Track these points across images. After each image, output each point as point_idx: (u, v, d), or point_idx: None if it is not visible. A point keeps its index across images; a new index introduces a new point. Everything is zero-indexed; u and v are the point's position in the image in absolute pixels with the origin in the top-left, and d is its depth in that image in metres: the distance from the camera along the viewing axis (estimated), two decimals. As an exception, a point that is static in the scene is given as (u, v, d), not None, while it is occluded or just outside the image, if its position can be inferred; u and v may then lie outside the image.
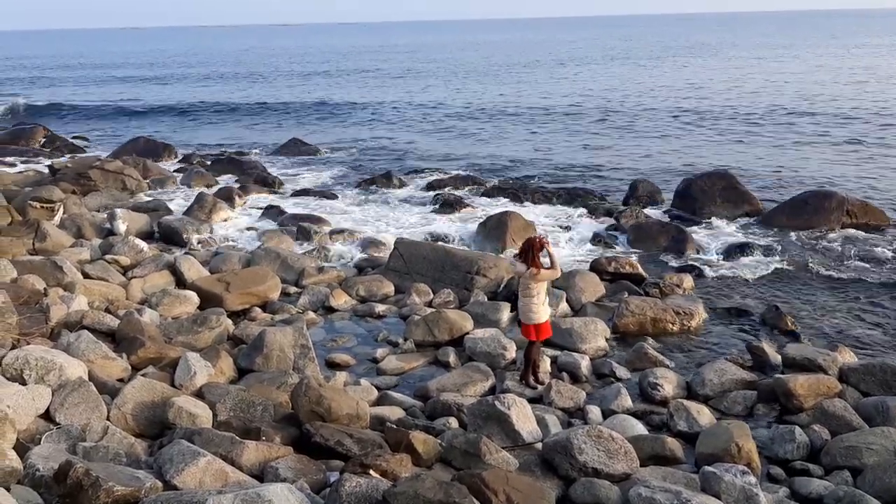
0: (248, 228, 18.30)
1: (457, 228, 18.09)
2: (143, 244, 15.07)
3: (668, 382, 9.60)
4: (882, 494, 6.96)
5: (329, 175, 25.72)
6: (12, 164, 26.82)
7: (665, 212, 18.75)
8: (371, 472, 6.42)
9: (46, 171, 23.30)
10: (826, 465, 7.79)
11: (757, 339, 11.17)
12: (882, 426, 8.09)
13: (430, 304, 12.68)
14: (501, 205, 19.88)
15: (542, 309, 9.49)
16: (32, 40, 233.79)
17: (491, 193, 21.21)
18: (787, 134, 30.34)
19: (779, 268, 14.81)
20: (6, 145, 30.77)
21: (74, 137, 34.10)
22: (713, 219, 18.02)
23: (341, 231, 17.52)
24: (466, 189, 22.11)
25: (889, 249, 15.53)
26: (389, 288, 13.39)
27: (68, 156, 28.96)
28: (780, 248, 15.93)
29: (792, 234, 16.62)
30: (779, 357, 10.29)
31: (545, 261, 9.62)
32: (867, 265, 14.75)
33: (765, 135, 30.34)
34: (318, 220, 18.23)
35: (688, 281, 13.72)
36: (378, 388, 9.68)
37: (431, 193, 21.58)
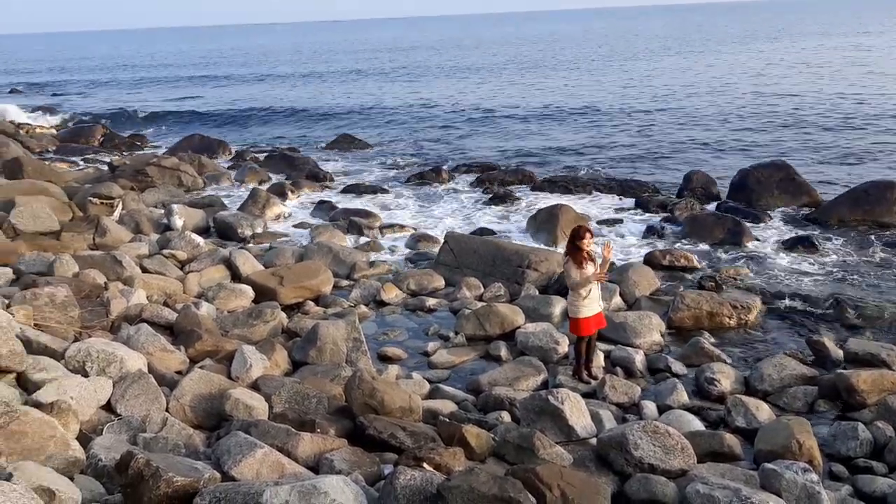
0: (301, 223, 18.49)
1: (507, 222, 18.04)
2: (199, 239, 15.33)
3: (725, 378, 9.41)
4: (951, 494, 6.73)
5: (379, 170, 25.87)
6: (74, 164, 27.54)
7: (720, 204, 18.37)
8: (424, 465, 6.41)
9: (106, 168, 23.86)
10: (890, 462, 7.56)
11: (817, 333, 10.89)
12: (951, 424, 7.83)
13: (480, 298, 12.66)
14: (552, 198, 19.72)
15: (580, 303, 9.29)
16: (86, 40, 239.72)
17: (541, 187, 21.06)
18: (847, 123, 29.49)
19: (839, 260, 14.43)
20: (67, 143, 31.62)
21: (132, 136, 34.85)
22: (770, 210, 17.61)
23: (392, 225, 17.61)
24: (516, 183, 22.00)
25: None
26: (440, 282, 13.40)
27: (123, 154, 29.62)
28: (840, 239, 15.54)
29: (852, 225, 16.16)
30: (840, 352, 10.03)
31: (597, 252, 9.46)
32: (933, 257, 14.27)
33: (823, 124, 29.55)
34: (369, 215, 18.33)
35: (745, 273, 13.44)
36: (429, 382, 9.69)
37: (481, 187, 21.54)
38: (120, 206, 17.99)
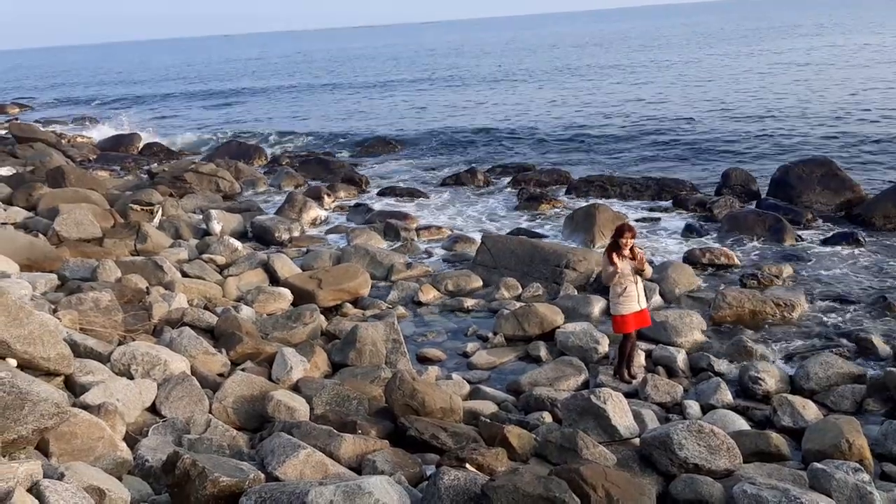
0: (337, 227, 18.59)
1: (543, 222, 17.96)
2: (237, 243, 15.48)
3: (769, 376, 9.25)
4: None
5: (414, 172, 25.94)
6: (114, 172, 27.99)
7: (760, 201, 18.08)
8: (467, 465, 6.39)
9: (145, 175, 24.23)
10: (945, 462, 7.36)
11: (864, 330, 10.66)
12: None
13: (518, 299, 12.61)
14: (588, 197, 19.61)
15: (620, 300, 9.24)
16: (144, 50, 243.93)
17: (577, 186, 20.92)
18: (890, 117, 28.88)
19: (884, 257, 14.12)
20: (107, 152, 32.16)
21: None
22: (812, 207, 17.29)
23: (428, 227, 17.63)
24: (552, 183, 21.90)
25: None
26: (477, 282, 13.38)
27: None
28: (885, 235, 15.21)
29: (898, 221, 15.80)
30: (889, 349, 9.81)
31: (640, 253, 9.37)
32: (983, 252, 13.91)
33: (866, 118, 28.97)
34: (406, 217, 18.37)
35: (787, 271, 13.22)
36: (469, 383, 9.67)
37: (516, 188, 21.46)
38: (160, 212, 18.24)
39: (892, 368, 8.85)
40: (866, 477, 6.57)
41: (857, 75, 41.66)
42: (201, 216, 18.27)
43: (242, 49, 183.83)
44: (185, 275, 13.35)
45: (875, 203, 16.65)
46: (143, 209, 18.01)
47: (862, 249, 14.56)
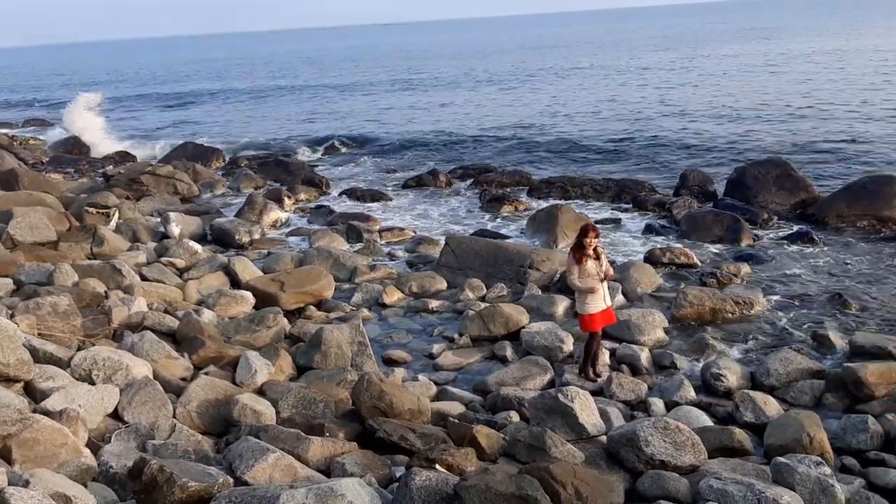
0: (298, 229, 18.45)
1: (506, 223, 18.04)
2: (197, 246, 15.28)
3: (731, 373, 9.40)
4: (965, 484, 6.72)
5: (376, 174, 25.88)
6: (68, 175, 27.40)
7: (718, 201, 18.37)
8: (437, 466, 6.38)
9: (101, 178, 23.79)
10: (902, 454, 7.54)
11: (821, 327, 10.90)
12: (960, 414, 7.83)
13: (483, 299, 12.64)
14: (549, 198, 19.75)
15: (587, 299, 9.32)
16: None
17: (539, 188, 21.06)
18: (843, 118, 29.59)
19: (838, 255, 14.46)
20: (60, 154, 31.49)
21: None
22: (768, 207, 17.63)
23: (391, 229, 17.59)
24: (513, 185, 22.01)
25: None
26: (442, 284, 13.38)
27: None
28: (839, 234, 15.59)
29: (851, 220, 16.16)
30: (845, 345, 10.04)
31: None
32: (932, 250, 14.32)
33: (818, 120, 29.63)
34: (368, 219, 18.31)
35: (745, 270, 13.46)
36: (436, 384, 9.66)
37: (478, 190, 21.53)
38: (116, 215, 17.91)
39: (849, 364, 9.05)
40: (828, 470, 6.72)
41: (814, 78, 42.60)
42: (159, 219, 17.98)
43: (201, 51, 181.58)
44: (144, 278, 13.13)
45: (828, 203, 17.04)
46: (98, 212, 17.67)
47: (817, 248, 14.88)
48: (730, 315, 11.58)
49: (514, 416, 8.46)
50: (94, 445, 6.45)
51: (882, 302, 12.01)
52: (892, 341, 9.53)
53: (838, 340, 10.21)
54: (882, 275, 13.28)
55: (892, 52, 52.95)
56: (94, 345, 8.72)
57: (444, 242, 14.79)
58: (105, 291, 11.61)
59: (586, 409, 7.80)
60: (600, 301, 9.37)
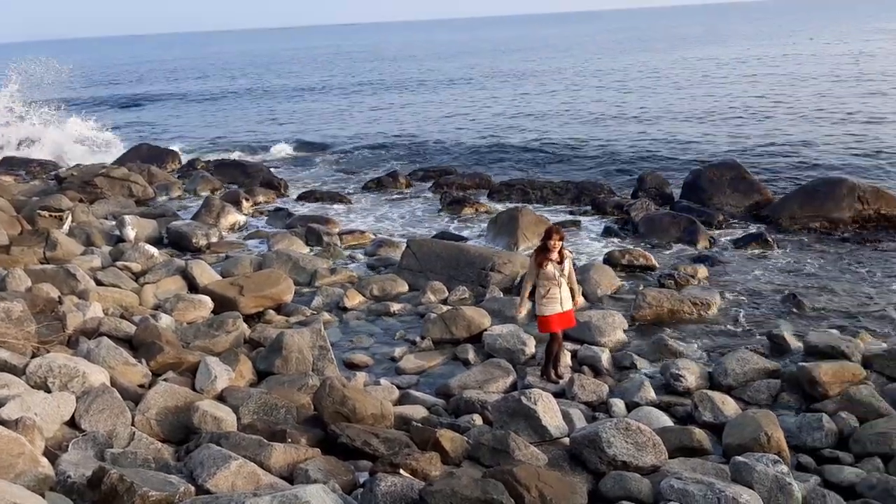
0: (257, 232, 18.26)
1: (466, 226, 18.07)
2: (153, 250, 15.02)
3: (690, 373, 9.54)
4: (916, 480, 6.90)
5: (335, 176, 25.75)
6: (19, 177, 26.75)
7: (674, 204, 18.65)
8: (401, 471, 6.37)
9: (53, 180, 23.28)
10: (856, 452, 7.71)
11: (776, 326, 11.11)
12: (911, 411, 8.04)
13: (445, 302, 12.64)
14: (510, 201, 19.84)
15: (543, 301, 9.38)
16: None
17: (499, 190, 21.15)
18: (794, 121, 30.26)
19: (792, 256, 14.78)
20: (10, 156, 30.74)
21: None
22: (723, 209, 17.94)
23: (351, 232, 17.50)
24: (473, 187, 22.06)
25: (902, 235, 15.52)
26: (403, 287, 13.35)
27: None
28: (792, 236, 15.94)
29: (803, 222, 16.52)
30: (800, 344, 10.25)
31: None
32: (881, 251, 14.70)
33: (769, 123, 30.26)
34: (328, 222, 18.19)
35: (702, 271, 13.68)
36: (398, 388, 9.63)
37: (439, 192, 21.54)
38: (69, 218, 17.55)
39: (804, 363, 9.25)
40: (785, 468, 6.84)
41: (763, 79, 43.48)
42: (114, 222, 17.66)
43: (150, 50, 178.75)
44: (98, 283, 12.87)
45: (781, 205, 17.40)
46: (51, 215, 17.29)
47: (771, 249, 15.18)
48: (687, 316, 11.76)
49: (478, 420, 8.47)
50: (52, 454, 6.30)
51: (834, 302, 12.30)
52: (845, 341, 9.76)
53: (793, 340, 10.41)
54: (834, 275, 13.60)
55: (845, 56, 54.33)
56: (48, 351, 8.52)
57: (405, 245, 14.76)
58: (59, 297, 11.35)
59: (549, 412, 7.85)
60: (556, 304, 9.41)
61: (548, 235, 9.39)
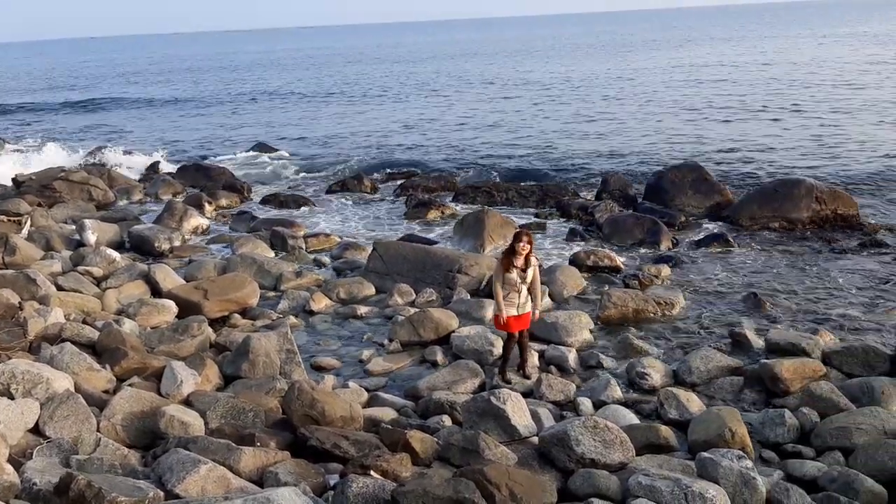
0: (220, 235, 18.08)
1: (432, 228, 18.09)
2: (115, 254, 14.82)
3: (655, 371, 9.67)
4: (875, 473, 7.07)
5: (299, 179, 25.57)
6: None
7: (637, 205, 18.88)
8: (372, 472, 6.37)
9: (10, 184, 22.81)
10: (817, 446, 7.88)
11: (738, 325, 11.30)
12: (869, 406, 8.23)
13: (412, 304, 12.65)
14: (476, 204, 19.90)
15: (500, 302, 9.43)
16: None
17: (464, 192, 21.19)
18: (753, 123, 30.82)
19: (753, 256, 15.04)
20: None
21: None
22: (685, 210, 18.20)
23: (316, 235, 17.40)
24: (439, 189, 22.07)
25: (858, 234, 15.89)
26: (370, 289, 13.32)
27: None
28: (753, 235, 16.24)
29: (763, 222, 16.84)
30: (762, 342, 10.44)
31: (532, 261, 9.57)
32: (838, 250, 15.03)
33: (731, 123, 30.79)
34: (292, 225, 18.06)
35: (665, 271, 13.86)
36: (367, 390, 9.61)
37: (404, 194, 21.52)
38: (28, 222, 17.23)
39: (766, 361, 9.43)
40: (749, 463, 6.97)
41: (722, 81, 44.18)
42: (74, 226, 17.36)
43: (110, 52, 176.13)
44: (60, 288, 12.66)
45: (741, 205, 17.71)
46: (9, 220, 16.95)
47: (732, 249, 15.44)
48: (652, 315, 11.91)
49: (447, 420, 8.50)
50: (16, 462, 6.20)
51: (794, 300, 12.55)
52: (805, 338, 9.98)
53: (755, 338, 10.61)
54: (794, 274, 13.87)
55: (805, 64, 55.44)
56: (10, 358, 8.37)
57: (371, 248, 14.73)
58: (19, 302, 11.14)
59: (518, 411, 7.91)
60: (513, 308, 9.45)
61: (516, 238, 9.43)
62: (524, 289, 9.46)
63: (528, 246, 9.36)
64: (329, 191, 23.09)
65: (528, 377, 9.77)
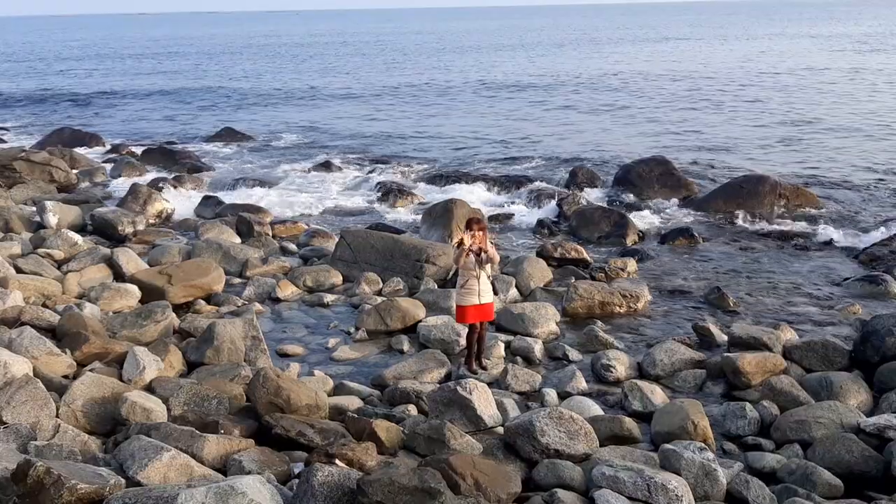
0: (185, 220, 17.86)
1: (401, 216, 18.04)
2: (77, 237, 14.55)
3: (619, 363, 9.75)
4: (832, 466, 7.21)
5: (266, 164, 25.33)
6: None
7: (605, 197, 19.00)
8: (337, 461, 6.34)
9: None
10: (777, 439, 8.01)
11: (702, 319, 11.44)
12: (828, 400, 8.39)
13: (379, 293, 12.60)
14: (444, 192, 19.90)
15: (462, 292, 9.45)
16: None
17: (433, 180, 21.20)
18: (718, 117, 31.20)
19: (717, 250, 15.24)
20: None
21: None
22: (652, 203, 18.37)
23: (283, 221, 17.27)
24: (408, 176, 22.03)
25: (819, 231, 16.15)
26: (337, 277, 13.25)
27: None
28: (717, 231, 16.44)
29: (728, 217, 17.07)
30: (724, 336, 10.57)
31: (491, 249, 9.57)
32: (799, 247, 15.28)
33: (697, 118, 31.12)
34: (259, 211, 17.90)
35: (631, 265, 13.96)
36: (332, 378, 9.56)
37: (373, 182, 21.44)
38: (-14, 203, 16.86)
39: (728, 354, 9.56)
40: (711, 455, 7.06)
41: (691, 76, 44.61)
42: (34, 208, 17.03)
43: (61, 32, 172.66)
44: (19, 270, 12.39)
45: (708, 200, 17.93)
46: (-33, 200, 16.57)
47: (697, 243, 15.62)
48: (618, 308, 12.00)
49: (413, 410, 8.48)
50: (-30, 449, 6.06)
51: (756, 295, 12.73)
52: (767, 332, 10.12)
53: (717, 332, 10.73)
54: (754, 269, 14.08)
55: (772, 62, 56.15)
56: (-35, 341, 8.18)
57: (338, 236, 14.64)
58: (-24, 284, 10.90)
59: (484, 401, 7.92)
60: (474, 297, 9.42)
61: (467, 226, 9.49)
62: (483, 275, 9.46)
63: (480, 233, 9.37)
64: (298, 177, 22.89)
65: (483, 368, 9.77)
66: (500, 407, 8.23)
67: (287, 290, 12.73)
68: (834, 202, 18.38)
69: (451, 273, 12.98)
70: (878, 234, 15.51)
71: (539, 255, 14.32)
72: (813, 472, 7.10)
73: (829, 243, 15.41)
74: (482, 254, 9.34)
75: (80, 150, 25.55)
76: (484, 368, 9.75)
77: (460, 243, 9.41)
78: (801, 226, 16.51)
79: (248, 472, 6.08)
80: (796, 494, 6.81)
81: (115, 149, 27.52)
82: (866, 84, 41.03)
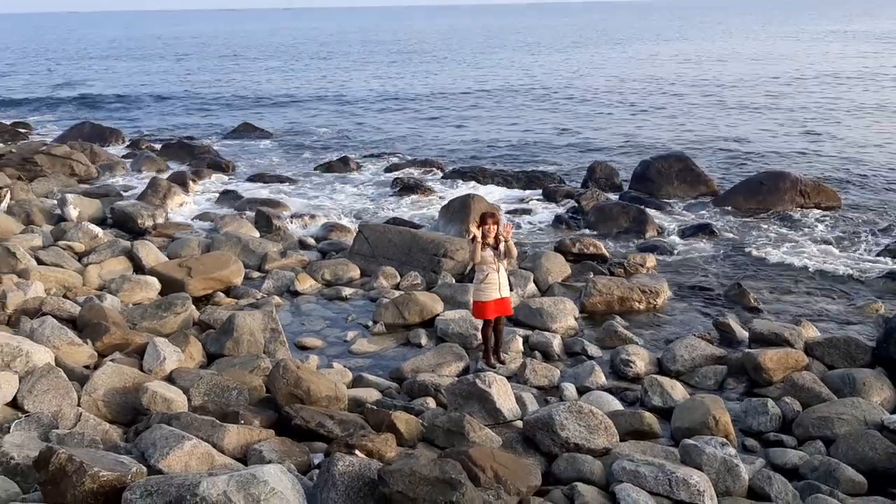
0: (204, 214, 17.92)
1: (418, 212, 18.03)
2: (97, 230, 14.65)
3: (639, 359, 9.69)
4: (856, 463, 7.14)
5: (285, 159, 25.39)
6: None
7: (623, 194, 18.89)
8: (357, 452, 6.33)
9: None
10: (799, 435, 7.94)
11: (722, 315, 11.34)
12: (850, 397, 8.30)
13: (397, 287, 12.59)
14: (461, 188, 19.86)
15: (481, 287, 9.40)
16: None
17: (450, 177, 21.16)
18: (740, 114, 30.94)
19: (737, 247, 15.10)
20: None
21: (14, 124, 32.84)
22: (671, 200, 18.25)
23: (301, 215, 17.30)
24: (425, 173, 22.02)
25: (839, 228, 15.98)
26: (355, 271, 13.26)
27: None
28: (737, 227, 16.27)
29: (748, 213, 16.92)
30: (745, 332, 10.48)
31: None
32: (820, 243, 15.12)
33: (716, 116, 30.88)
34: (277, 205, 17.96)
35: (651, 260, 13.87)
36: (351, 371, 9.57)
37: (390, 177, 21.44)
38: (8, 195, 16.98)
39: (750, 350, 9.48)
40: (732, 451, 7.00)
41: (708, 74, 44.29)
42: (55, 201, 17.15)
43: (89, 28, 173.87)
44: (40, 262, 12.50)
45: (727, 196, 17.78)
46: (-11, 192, 16.71)
47: (717, 239, 15.50)
48: (637, 304, 11.92)
49: (431, 402, 8.47)
50: (-7, 436, 6.11)
51: (775, 291, 12.62)
52: (788, 328, 10.03)
53: (738, 328, 10.65)
54: (775, 266, 13.95)
55: (779, 58, 55.67)
56: (-12, 330, 8.25)
57: (356, 230, 14.65)
58: (-2, 275, 10.99)
59: (503, 394, 7.90)
60: (495, 290, 9.39)
61: (482, 221, 9.43)
62: (502, 268, 9.43)
63: (494, 227, 9.34)
64: (315, 171, 22.93)
65: (501, 363, 9.74)
66: (519, 401, 8.22)
67: (306, 284, 12.75)
68: (855, 199, 18.19)
69: (468, 269, 12.95)
70: (901, 232, 15.31)
71: (557, 250, 14.25)
72: (836, 468, 7.04)
73: (849, 240, 15.24)
74: (499, 245, 9.32)
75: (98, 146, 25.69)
76: (502, 363, 9.72)
77: (473, 238, 9.36)
78: (821, 222, 16.33)
79: (269, 462, 6.09)
80: (819, 491, 6.74)
81: (134, 143, 27.66)
82: (889, 80, 40.57)
